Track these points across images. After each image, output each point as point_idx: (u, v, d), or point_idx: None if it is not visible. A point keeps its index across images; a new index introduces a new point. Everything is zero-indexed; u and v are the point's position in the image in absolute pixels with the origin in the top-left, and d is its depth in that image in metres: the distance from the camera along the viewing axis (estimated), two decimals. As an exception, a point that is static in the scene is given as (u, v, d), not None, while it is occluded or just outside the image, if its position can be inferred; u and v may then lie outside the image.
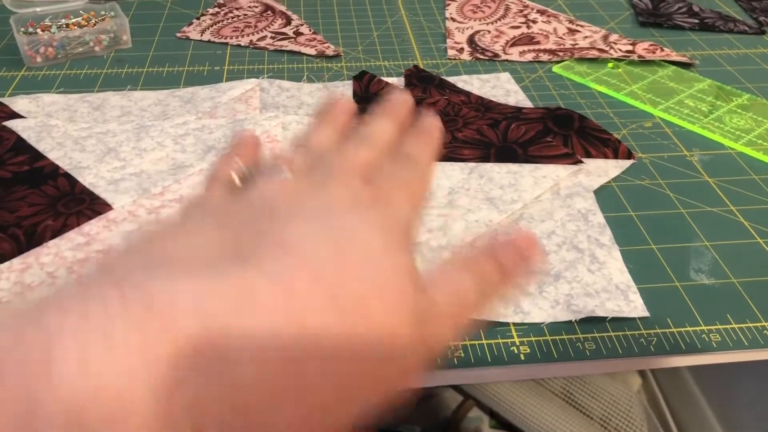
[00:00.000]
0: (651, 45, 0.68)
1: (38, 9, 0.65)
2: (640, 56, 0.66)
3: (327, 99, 0.40)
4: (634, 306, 0.39)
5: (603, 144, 0.51)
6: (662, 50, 0.67)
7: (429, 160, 0.36)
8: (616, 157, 0.51)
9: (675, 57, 0.66)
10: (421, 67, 0.64)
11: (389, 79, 0.61)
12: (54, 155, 0.50)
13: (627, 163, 0.51)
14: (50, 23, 0.64)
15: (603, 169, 0.50)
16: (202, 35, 0.69)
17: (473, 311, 0.28)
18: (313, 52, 0.66)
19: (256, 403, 0.21)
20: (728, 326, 0.38)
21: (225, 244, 0.24)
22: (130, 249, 0.23)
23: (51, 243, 0.42)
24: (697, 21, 0.75)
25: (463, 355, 0.36)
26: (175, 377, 0.19)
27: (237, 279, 0.21)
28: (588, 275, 0.40)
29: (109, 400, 0.17)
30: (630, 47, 0.68)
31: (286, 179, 0.29)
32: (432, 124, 0.38)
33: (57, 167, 0.49)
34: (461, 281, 0.29)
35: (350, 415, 0.23)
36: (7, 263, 0.41)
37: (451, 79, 0.61)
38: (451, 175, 0.48)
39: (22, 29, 0.63)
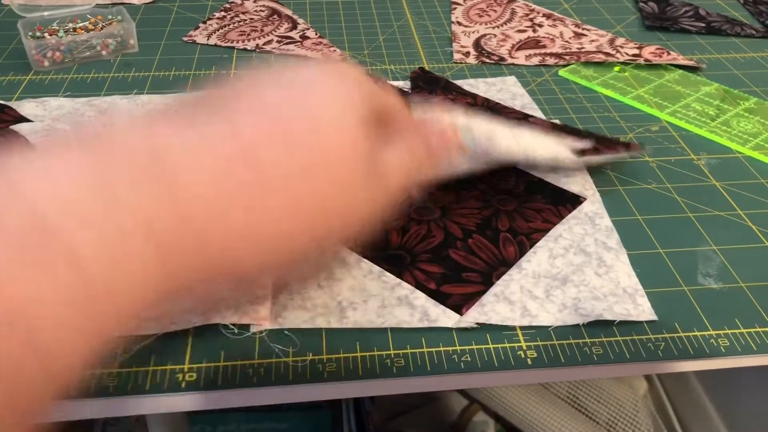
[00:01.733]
0: (657, 49, 0.68)
1: (46, 13, 0.65)
2: (646, 60, 0.66)
3: None
4: (642, 309, 0.39)
5: (614, 142, 0.51)
6: (669, 54, 0.67)
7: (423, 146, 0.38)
8: (627, 150, 0.50)
9: (682, 61, 0.66)
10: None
11: (395, 83, 0.61)
12: (61, 159, 0.50)
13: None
14: (57, 27, 0.65)
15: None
16: (208, 39, 0.69)
17: (409, 175, 0.33)
18: (319, 56, 0.66)
19: (202, 212, 0.24)
20: (737, 331, 0.38)
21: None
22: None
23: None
24: (703, 25, 0.74)
25: (469, 359, 0.36)
26: (123, 189, 0.23)
27: (193, 122, 0.26)
28: (595, 279, 0.40)
29: (64, 203, 0.21)
30: (636, 51, 0.68)
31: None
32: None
33: (64, 171, 0.49)
34: (401, 150, 0.33)
35: (303, 240, 0.27)
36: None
37: (457, 83, 0.61)
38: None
39: (30, 33, 0.63)
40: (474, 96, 0.59)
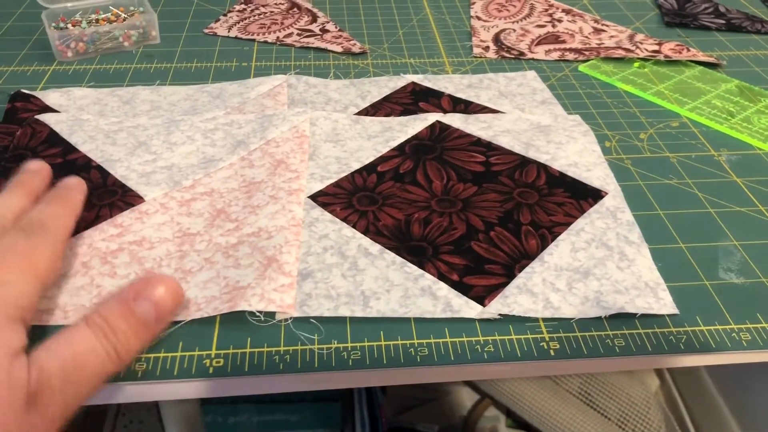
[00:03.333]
0: (677, 45, 0.68)
1: (69, 4, 0.66)
2: (666, 56, 0.66)
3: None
4: (664, 303, 0.39)
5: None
6: (689, 50, 0.67)
7: (59, 226, 0.36)
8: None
9: (702, 57, 0.66)
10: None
11: (414, 77, 0.61)
12: (86, 148, 0.50)
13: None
14: (80, 18, 0.65)
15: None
16: (229, 31, 0.70)
17: (105, 368, 0.29)
18: (339, 49, 0.66)
19: None
20: (759, 325, 0.38)
21: None
22: None
23: (85, 234, 0.43)
24: (723, 21, 0.74)
25: (492, 349, 0.36)
26: None
27: None
28: (617, 272, 0.41)
29: None
30: (656, 47, 0.67)
31: None
32: (70, 188, 0.39)
33: (89, 160, 0.49)
34: (80, 341, 0.28)
35: None
36: (42, 253, 0.41)
37: (478, 77, 0.62)
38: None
39: (53, 24, 0.64)
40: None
